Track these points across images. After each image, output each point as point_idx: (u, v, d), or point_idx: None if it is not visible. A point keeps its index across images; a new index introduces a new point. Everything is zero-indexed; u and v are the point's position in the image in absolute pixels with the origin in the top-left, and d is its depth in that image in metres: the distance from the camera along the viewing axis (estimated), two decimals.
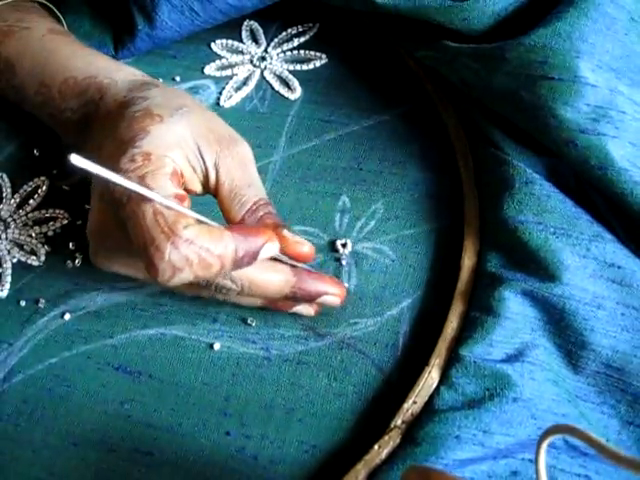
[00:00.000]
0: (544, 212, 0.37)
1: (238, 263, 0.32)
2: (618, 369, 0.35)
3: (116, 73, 0.41)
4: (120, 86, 0.39)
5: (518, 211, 0.38)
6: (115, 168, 0.33)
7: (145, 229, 0.31)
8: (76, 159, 0.28)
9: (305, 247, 0.36)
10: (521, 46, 0.38)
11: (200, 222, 0.32)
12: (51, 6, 0.49)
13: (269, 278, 0.35)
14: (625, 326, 0.35)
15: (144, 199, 0.31)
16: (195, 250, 0.30)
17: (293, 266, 0.36)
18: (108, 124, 0.37)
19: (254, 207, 0.35)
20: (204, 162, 0.35)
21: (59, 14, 0.49)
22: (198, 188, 0.36)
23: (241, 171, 0.35)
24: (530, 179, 0.38)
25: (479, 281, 0.38)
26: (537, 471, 0.25)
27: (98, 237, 0.36)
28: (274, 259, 0.35)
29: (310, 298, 0.36)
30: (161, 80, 0.48)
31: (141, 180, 0.32)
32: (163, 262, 0.30)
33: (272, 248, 0.33)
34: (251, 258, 0.32)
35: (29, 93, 0.43)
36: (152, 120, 0.34)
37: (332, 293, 0.36)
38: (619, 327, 0.35)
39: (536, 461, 0.25)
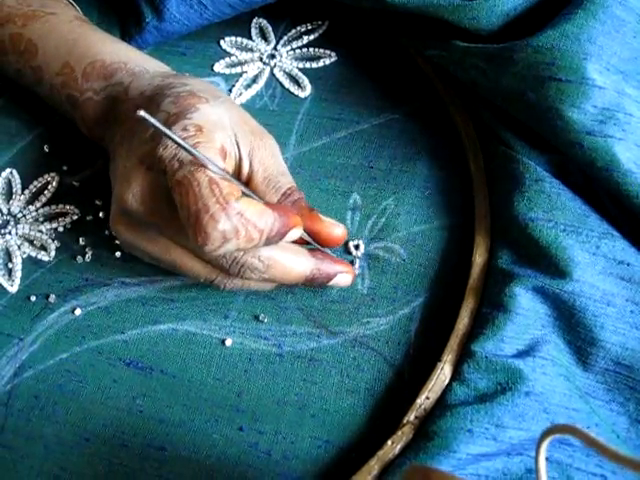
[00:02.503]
0: (554, 209, 0.38)
1: (269, 240, 0.33)
2: (627, 367, 0.35)
3: (147, 63, 0.42)
4: (153, 74, 0.40)
5: (529, 208, 0.38)
6: (165, 139, 0.34)
7: (199, 197, 0.31)
8: (144, 114, 0.29)
9: (339, 229, 0.38)
10: (529, 47, 0.38)
11: (245, 195, 0.34)
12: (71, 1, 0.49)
13: (294, 261, 0.36)
14: (634, 323, 0.36)
15: (198, 167, 0.32)
16: (243, 222, 0.32)
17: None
18: (145, 103, 0.38)
19: (289, 192, 0.37)
20: (239, 150, 0.36)
21: (77, 8, 0.50)
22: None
23: (273, 160, 0.37)
24: (540, 177, 0.39)
25: (490, 278, 0.38)
26: (537, 471, 0.25)
27: (137, 207, 0.35)
28: (297, 242, 0.37)
29: (328, 280, 0.37)
30: None
31: (192, 148, 0.33)
32: (216, 230, 0.31)
33: (297, 233, 0.35)
34: (280, 237, 0.34)
35: (49, 74, 0.43)
36: (199, 99, 0.36)
37: (346, 271, 0.38)
38: (628, 324, 0.36)
39: (536, 461, 0.25)
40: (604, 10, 0.38)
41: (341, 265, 0.38)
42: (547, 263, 0.37)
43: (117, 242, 0.42)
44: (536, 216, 0.38)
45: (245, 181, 0.37)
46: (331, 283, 0.38)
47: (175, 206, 0.33)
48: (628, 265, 0.36)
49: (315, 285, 0.38)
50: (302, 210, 0.37)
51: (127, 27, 0.49)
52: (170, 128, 0.34)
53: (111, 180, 0.39)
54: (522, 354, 0.36)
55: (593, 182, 0.39)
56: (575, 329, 0.36)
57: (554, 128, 0.37)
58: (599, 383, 0.36)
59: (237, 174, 0.37)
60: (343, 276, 0.38)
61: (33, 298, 0.41)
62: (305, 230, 0.37)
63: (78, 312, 0.40)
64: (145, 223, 0.35)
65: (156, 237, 0.35)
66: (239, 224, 0.31)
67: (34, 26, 0.44)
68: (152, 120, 0.30)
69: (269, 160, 0.37)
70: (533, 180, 0.39)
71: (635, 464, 0.21)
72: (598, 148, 0.36)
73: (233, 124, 0.36)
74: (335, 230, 0.37)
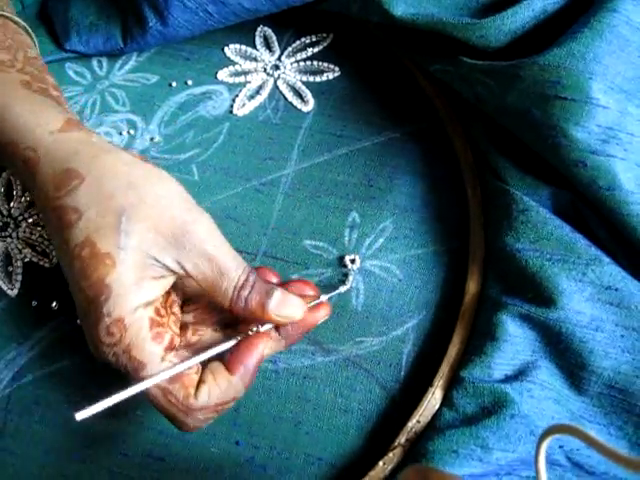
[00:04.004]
0: (540, 239, 0.39)
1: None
2: (621, 390, 0.36)
3: (36, 139, 0.36)
4: (44, 172, 0.35)
5: (515, 239, 0.39)
6: (96, 340, 0.34)
7: (162, 408, 0.34)
8: (82, 415, 0.31)
9: (296, 316, 0.35)
10: (535, 65, 0.39)
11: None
12: (25, 26, 0.45)
13: (267, 349, 0.36)
14: (625, 347, 0.36)
15: (143, 382, 0.33)
16: (212, 409, 0.34)
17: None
18: (55, 238, 0.35)
19: (235, 293, 0.34)
20: (166, 267, 0.34)
21: (33, 35, 0.46)
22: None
23: (206, 261, 0.34)
24: (527, 207, 0.39)
25: (482, 305, 0.40)
26: (537, 471, 0.25)
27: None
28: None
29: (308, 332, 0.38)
30: (174, 84, 0.49)
31: (128, 353, 0.33)
32: (190, 430, 0.34)
33: (267, 349, 0.36)
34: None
35: None
36: (104, 267, 0.33)
37: (322, 317, 0.38)
38: (619, 349, 0.36)
39: (536, 461, 0.25)
40: (610, 29, 0.38)
41: (316, 317, 0.37)
42: (534, 292, 0.38)
43: None
44: (522, 247, 0.39)
45: (192, 287, 0.37)
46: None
47: None
48: (617, 290, 0.37)
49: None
50: (254, 307, 0.35)
51: (129, 28, 0.49)
52: (97, 331, 0.33)
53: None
54: (510, 379, 0.37)
55: (583, 210, 0.40)
56: (565, 354, 0.37)
57: (557, 147, 0.38)
58: (595, 407, 0.37)
59: (181, 290, 0.37)
60: (321, 321, 0.38)
61: (34, 303, 0.42)
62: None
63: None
64: None
65: None
66: (208, 413, 0.34)
67: None
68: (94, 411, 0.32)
69: (202, 264, 0.34)
70: (520, 211, 0.39)
71: (635, 464, 0.22)
72: (601, 167, 0.37)
73: (147, 248, 0.33)
74: (293, 318, 0.36)
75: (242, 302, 0.34)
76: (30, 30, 0.45)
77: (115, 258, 0.33)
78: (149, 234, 0.33)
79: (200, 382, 0.34)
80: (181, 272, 0.34)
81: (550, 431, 0.25)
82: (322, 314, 0.38)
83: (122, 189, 0.34)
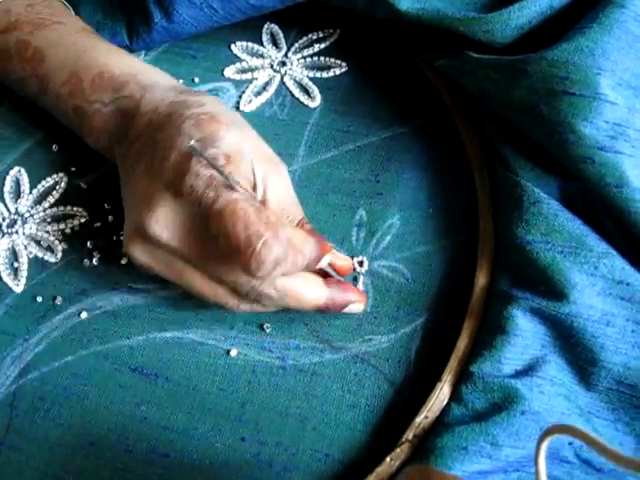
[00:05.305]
0: (552, 232, 0.38)
1: (307, 266, 0.35)
2: (630, 386, 0.36)
3: (156, 75, 0.42)
4: (165, 86, 0.40)
5: (526, 231, 0.38)
6: (195, 161, 0.34)
7: (250, 224, 0.32)
8: (196, 146, 0.33)
9: (348, 262, 0.39)
10: (543, 60, 0.39)
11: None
12: (68, 6, 0.49)
13: (309, 291, 0.37)
14: (636, 343, 0.36)
15: (241, 196, 0.33)
16: (291, 248, 0.33)
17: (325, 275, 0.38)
18: (160, 121, 0.38)
19: (301, 224, 0.37)
20: (254, 176, 0.36)
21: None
22: None
23: (286, 190, 0.37)
24: (538, 199, 0.39)
25: (491, 299, 0.39)
26: (537, 471, 0.25)
27: (160, 234, 0.35)
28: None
29: (340, 309, 0.38)
30: (181, 81, 0.49)
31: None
32: (270, 255, 0.32)
33: (327, 260, 0.36)
34: (315, 263, 0.35)
35: (56, 83, 0.43)
36: (220, 125, 0.36)
37: (357, 301, 0.39)
38: (630, 344, 0.36)
39: (536, 461, 0.25)
40: (619, 25, 0.38)
41: (354, 294, 0.38)
42: (545, 285, 0.37)
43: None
44: (534, 239, 0.38)
45: None
46: (343, 310, 0.38)
47: (202, 234, 0.34)
48: (628, 285, 0.37)
49: (327, 314, 0.39)
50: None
51: (134, 26, 0.49)
52: (202, 152, 0.34)
53: (123, 195, 0.39)
54: (520, 374, 0.36)
55: (593, 204, 0.40)
56: (575, 349, 0.36)
57: (565, 142, 0.37)
58: (603, 402, 0.36)
59: None
60: (355, 305, 0.38)
61: (39, 299, 0.42)
62: None
63: (84, 315, 0.41)
64: (163, 247, 0.36)
65: (173, 262, 0.36)
66: (288, 250, 0.33)
67: (42, 34, 0.44)
68: (204, 155, 0.32)
69: (283, 189, 0.37)
70: (531, 202, 0.39)
71: (635, 464, 0.22)
72: (609, 164, 0.36)
73: (250, 149, 0.37)
74: (345, 264, 0.39)
75: (306, 229, 0.36)
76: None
77: (230, 126, 0.36)
78: (254, 143, 0.37)
79: None
80: (259, 186, 0.36)
81: (549, 431, 0.25)
82: (360, 298, 0.39)
83: (235, 115, 0.39)
